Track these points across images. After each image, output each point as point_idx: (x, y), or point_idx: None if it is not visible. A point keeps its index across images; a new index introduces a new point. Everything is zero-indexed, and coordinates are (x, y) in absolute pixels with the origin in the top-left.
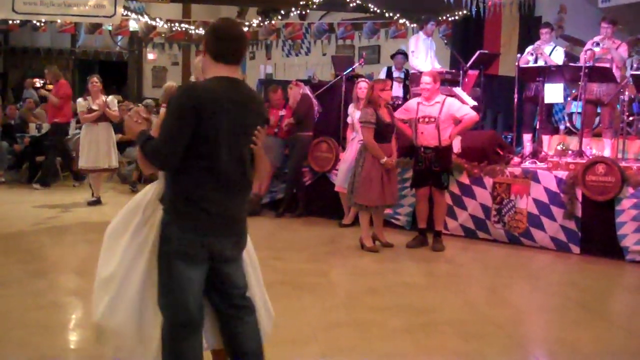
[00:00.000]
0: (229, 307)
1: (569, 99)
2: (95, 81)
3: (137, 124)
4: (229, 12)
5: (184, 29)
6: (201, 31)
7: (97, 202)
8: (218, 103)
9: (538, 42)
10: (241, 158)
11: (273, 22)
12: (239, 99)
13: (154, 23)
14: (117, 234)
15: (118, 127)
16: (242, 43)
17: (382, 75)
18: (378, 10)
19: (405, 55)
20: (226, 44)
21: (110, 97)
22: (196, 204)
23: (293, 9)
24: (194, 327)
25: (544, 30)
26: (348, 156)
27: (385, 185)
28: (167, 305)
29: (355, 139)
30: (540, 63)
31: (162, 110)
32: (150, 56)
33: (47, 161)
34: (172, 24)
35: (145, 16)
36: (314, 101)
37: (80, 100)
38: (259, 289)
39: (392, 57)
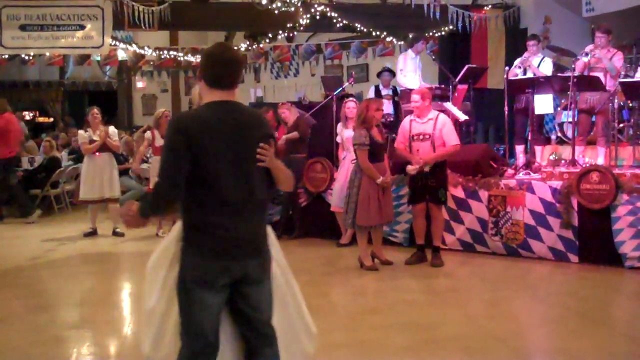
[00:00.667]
0: (251, 333)
1: (558, 108)
2: (95, 113)
3: (130, 210)
4: (216, 37)
5: (172, 56)
6: (189, 57)
7: (93, 233)
8: (209, 129)
9: (526, 55)
10: (247, 178)
11: (261, 45)
12: (235, 121)
13: (142, 51)
14: (157, 266)
15: (118, 158)
16: (235, 67)
17: (371, 93)
18: (364, 29)
19: (391, 72)
20: (219, 69)
21: (111, 127)
22: (207, 231)
23: (280, 32)
24: (209, 352)
25: (530, 43)
26: (341, 175)
27: (381, 204)
28: (184, 330)
29: (346, 158)
30: (530, 75)
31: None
32: (140, 84)
33: (14, 196)
34: (161, 52)
35: (134, 45)
36: (310, 120)
37: (81, 132)
38: (296, 308)
39: (379, 75)
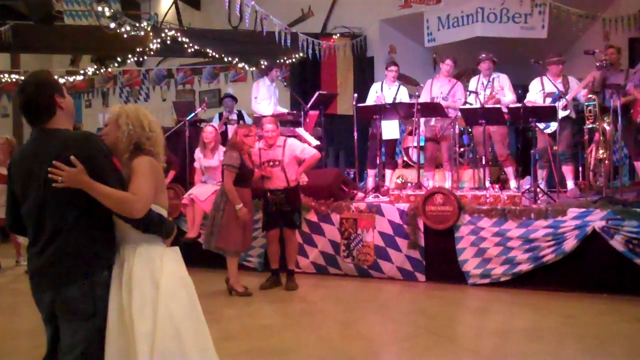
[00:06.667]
0: None
1: (404, 134)
2: None
3: None
4: (61, 60)
5: (13, 79)
6: None
7: None
8: (15, 163)
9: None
10: (39, 208)
11: (109, 69)
12: (30, 151)
13: None
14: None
15: None
16: (23, 109)
17: (215, 120)
18: (216, 55)
19: (232, 97)
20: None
21: None
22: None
23: (130, 56)
24: None
25: (394, 69)
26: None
27: (245, 231)
28: None
29: (206, 180)
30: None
31: None
32: None
33: None
34: (1, 75)
35: None
36: None
37: None
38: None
39: (221, 101)
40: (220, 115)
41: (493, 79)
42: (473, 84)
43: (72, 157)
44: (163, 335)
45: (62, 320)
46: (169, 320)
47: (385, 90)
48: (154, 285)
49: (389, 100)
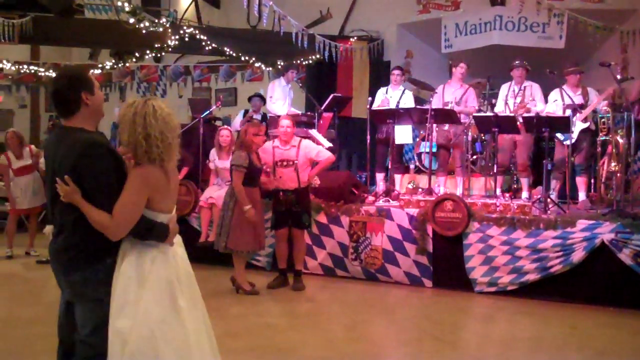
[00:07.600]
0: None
1: (417, 139)
2: None
3: None
4: (80, 53)
5: (32, 70)
6: (51, 73)
7: None
8: (45, 154)
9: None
10: (52, 199)
11: (127, 64)
12: (54, 147)
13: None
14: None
15: None
16: (52, 98)
17: (239, 117)
18: (234, 54)
19: (261, 97)
20: None
21: None
22: None
23: (148, 52)
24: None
25: (396, 72)
26: (207, 195)
27: (256, 230)
28: None
29: (219, 183)
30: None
31: None
32: None
33: None
34: (20, 66)
35: None
36: None
37: None
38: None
39: (249, 99)
40: (246, 112)
41: (525, 87)
42: (504, 90)
43: (66, 177)
44: (138, 336)
45: (74, 300)
46: (147, 322)
47: (389, 94)
48: (139, 286)
49: (393, 104)
